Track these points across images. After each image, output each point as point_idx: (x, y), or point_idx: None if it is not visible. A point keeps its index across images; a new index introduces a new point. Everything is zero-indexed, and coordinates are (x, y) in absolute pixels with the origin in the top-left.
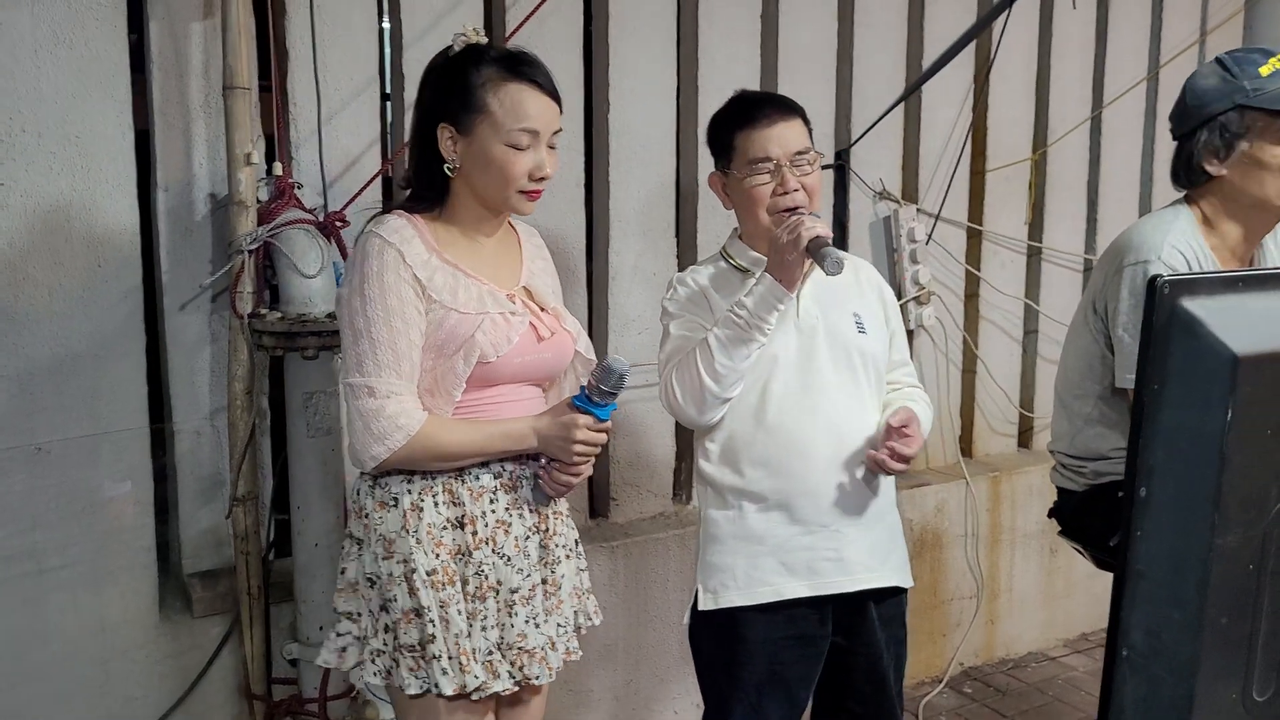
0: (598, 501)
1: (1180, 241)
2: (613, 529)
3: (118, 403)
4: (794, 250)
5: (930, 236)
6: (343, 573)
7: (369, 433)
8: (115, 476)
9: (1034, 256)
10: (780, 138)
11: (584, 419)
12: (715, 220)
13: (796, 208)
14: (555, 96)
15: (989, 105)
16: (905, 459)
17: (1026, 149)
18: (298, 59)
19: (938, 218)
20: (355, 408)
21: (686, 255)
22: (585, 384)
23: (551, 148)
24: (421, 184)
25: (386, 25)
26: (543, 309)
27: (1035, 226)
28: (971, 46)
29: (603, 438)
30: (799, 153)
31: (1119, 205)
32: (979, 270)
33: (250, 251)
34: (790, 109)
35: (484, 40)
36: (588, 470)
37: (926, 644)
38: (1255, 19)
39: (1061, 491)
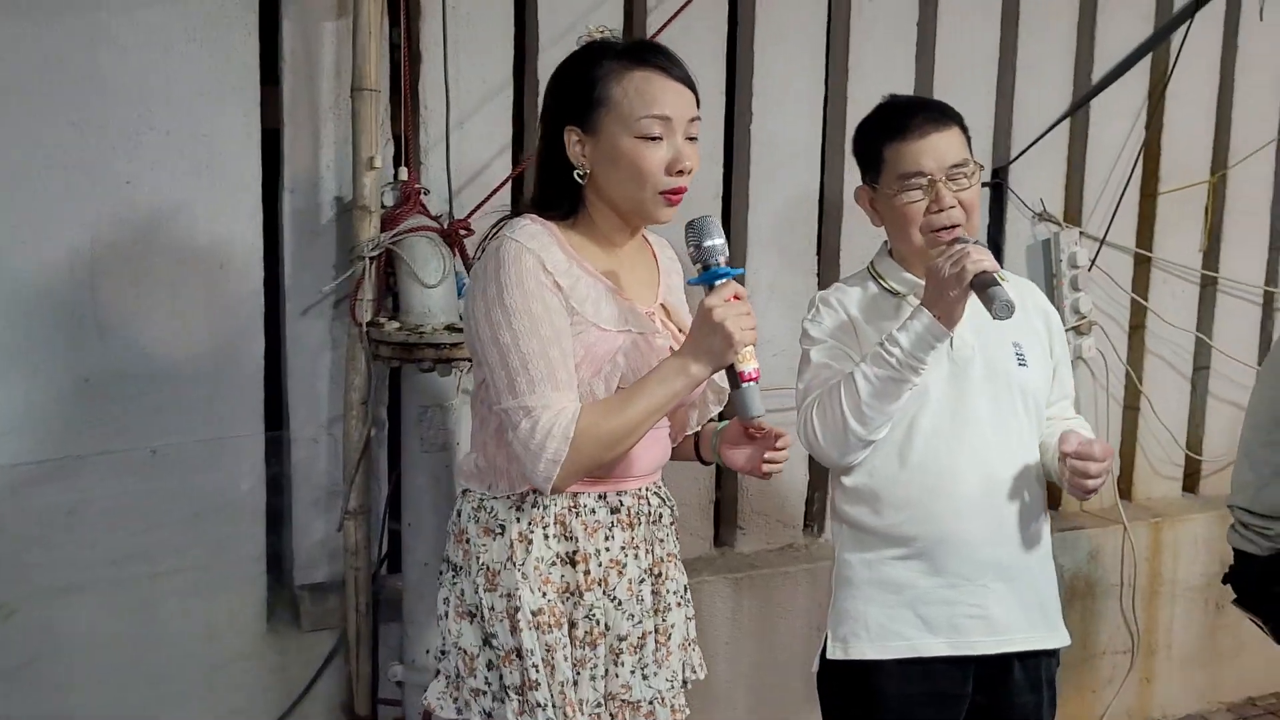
0: (723, 530)
1: None
2: (738, 560)
3: (235, 407)
4: (957, 286)
5: (1094, 262)
6: (443, 602)
7: (528, 453)
8: (230, 482)
9: (1209, 287)
10: (934, 149)
11: (710, 296)
12: (860, 238)
13: (954, 226)
14: (688, 83)
15: (1164, 123)
16: (1090, 489)
17: (1204, 170)
18: (430, 62)
19: (1103, 242)
20: (514, 436)
21: (828, 274)
22: (693, 256)
23: (691, 139)
24: (550, 195)
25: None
26: (680, 330)
27: (1211, 254)
28: (1147, 60)
29: (748, 305)
30: (955, 165)
31: None
32: (1146, 300)
33: (371, 258)
34: (945, 116)
35: (610, 37)
36: (752, 333)
37: (1074, 699)
38: None
39: (1240, 555)
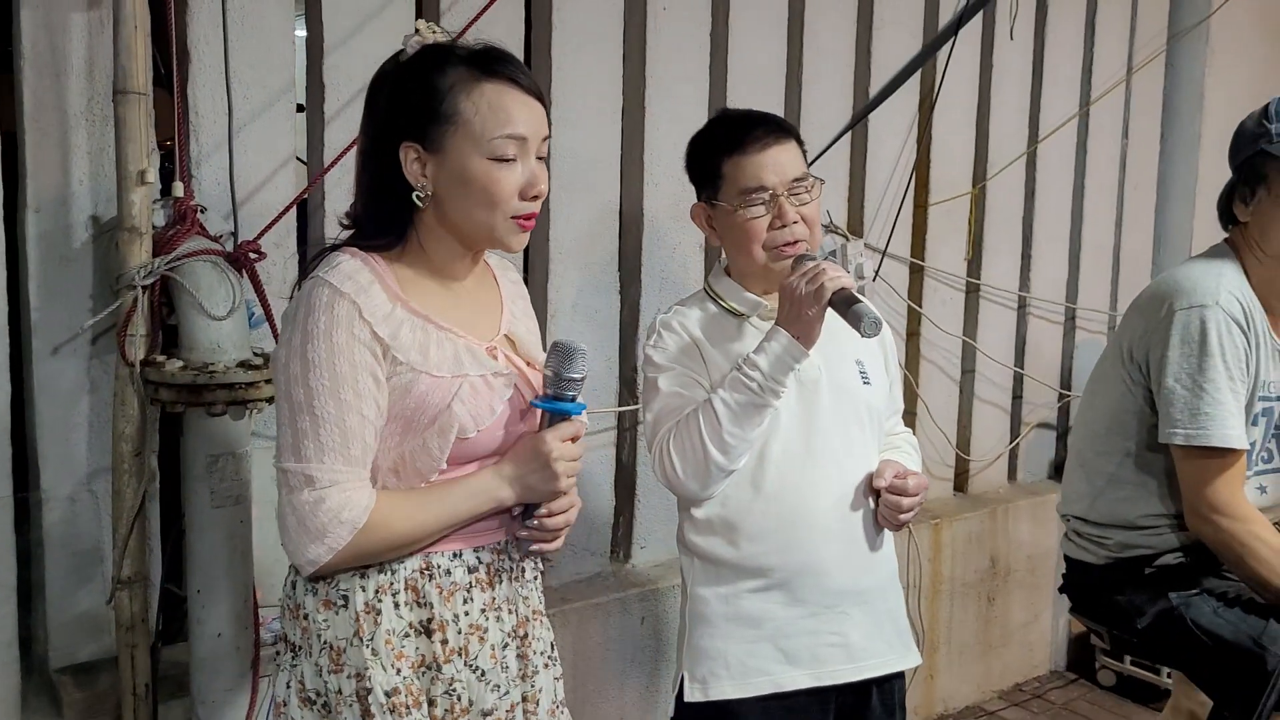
0: None
1: (1235, 287)
2: (549, 595)
3: None
4: (815, 304)
5: (877, 273)
6: (285, 686)
7: (304, 530)
8: None
9: (972, 293)
10: (775, 163)
11: (550, 432)
12: (660, 251)
13: (797, 242)
14: (539, 96)
15: (933, 137)
16: (902, 523)
17: (967, 183)
18: (201, 62)
19: (885, 253)
20: (288, 500)
21: (630, 289)
22: (547, 379)
23: (541, 158)
24: (376, 219)
25: (301, 34)
26: (529, 363)
27: (974, 263)
28: (917, 76)
29: (581, 448)
30: (797, 180)
31: (1052, 242)
32: (920, 307)
33: (144, 287)
34: (783, 130)
35: (443, 38)
36: (575, 499)
37: None
38: (1176, 58)
39: (1074, 564)
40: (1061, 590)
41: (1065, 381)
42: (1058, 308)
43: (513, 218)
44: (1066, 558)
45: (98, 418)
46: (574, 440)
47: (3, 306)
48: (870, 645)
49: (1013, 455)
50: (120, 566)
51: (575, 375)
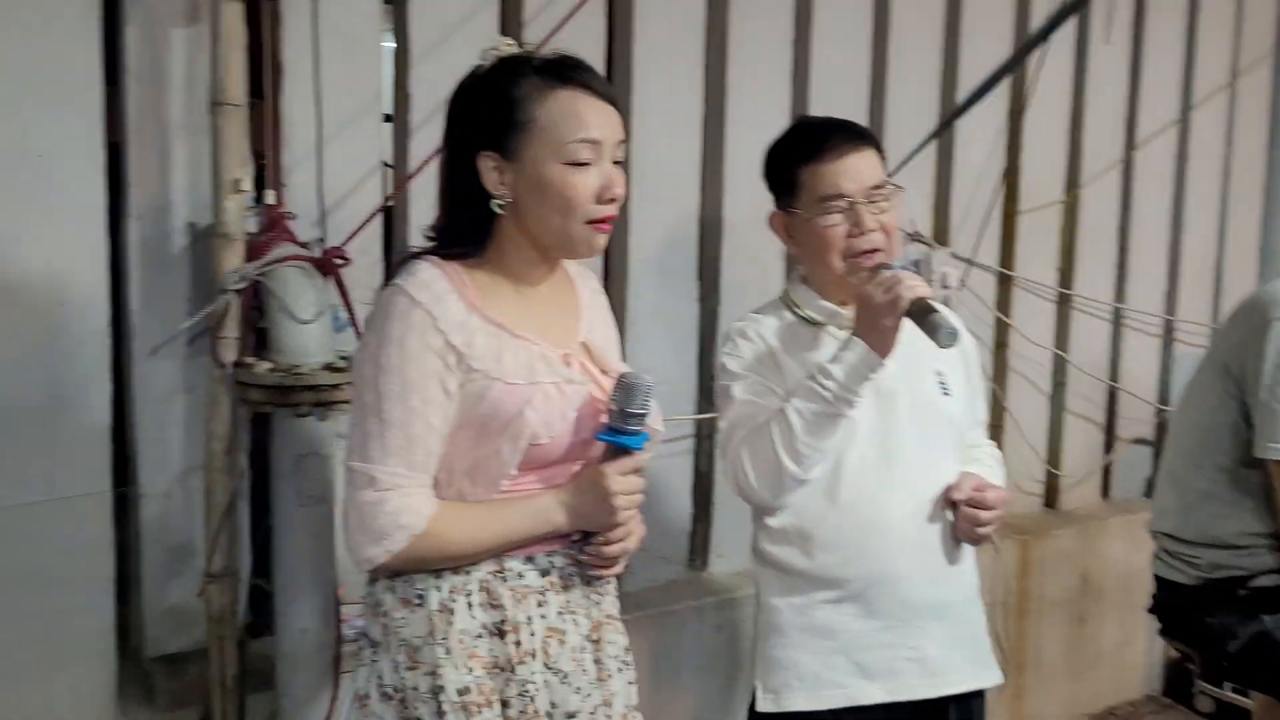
0: None
1: None
2: (625, 601)
3: (78, 463)
4: (892, 314)
5: (964, 282)
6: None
7: (365, 531)
8: (73, 547)
9: (1064, 304)
10: (853, 171)
11: (612, 465)
12: (740, 260)
13: (876, 250)
14: (614, 101)
15: (1023, 143)
16: (981, 536)
17: (1059, 190)
18: (294, 74)
19: (972, 262)
20: (352, 498)
21: (709, 298)
22: (611, 412)
23: (617, 163)
24: (458, 228)
25: (389, 45)
26: (604, 371)
27: (1066, 273)
28: (1006, 82)
29: (642, 480)
30: (875, 187)
31: (1150, 252)
32: (1009, 318)
33: (237, 291)
34: (862, 137)
35: (518, 50)
36: (638, 527)
37: None
38: None
39: (1164, 583)
40: (1150, 611)
41: (1163, 396)
42: (1155, 320)
43: (590, 221)
44: (1156, 577)
45: (192, 417)
46: (636, 472)
47: (106, 311)
48: (948, 661)
49: (1106, 471)
50: (211, 561)
51: (640, 412)
